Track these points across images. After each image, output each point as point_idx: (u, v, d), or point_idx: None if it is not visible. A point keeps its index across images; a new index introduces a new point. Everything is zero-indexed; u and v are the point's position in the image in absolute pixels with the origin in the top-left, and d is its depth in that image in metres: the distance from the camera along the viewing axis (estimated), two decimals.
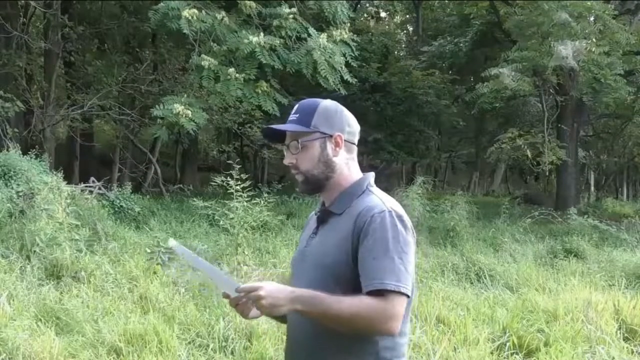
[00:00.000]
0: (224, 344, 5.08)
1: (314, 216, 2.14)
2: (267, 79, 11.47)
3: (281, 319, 2.11)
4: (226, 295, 1.96)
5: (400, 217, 1.93)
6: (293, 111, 2.07)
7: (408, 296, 1.86)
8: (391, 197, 2.03)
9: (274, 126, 2.09)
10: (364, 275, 1.87)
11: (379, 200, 1.97)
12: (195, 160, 20.40)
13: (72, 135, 16.45)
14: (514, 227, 12.59)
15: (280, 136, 2.09)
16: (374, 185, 2.06)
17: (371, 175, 2.08)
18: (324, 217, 2.05)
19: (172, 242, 2.04)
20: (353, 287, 1.89)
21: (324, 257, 1.96)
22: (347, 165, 2.05)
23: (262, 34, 10.59)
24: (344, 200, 2.01)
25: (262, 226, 9.47)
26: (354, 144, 2.09)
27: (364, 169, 2.10)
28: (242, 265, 7.36)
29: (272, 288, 1.86)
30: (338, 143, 2.03)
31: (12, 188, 8.71)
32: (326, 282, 1.92)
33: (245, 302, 1.94)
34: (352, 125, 2.08)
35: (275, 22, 11.00)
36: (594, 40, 14.78)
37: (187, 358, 4.84)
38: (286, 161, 2.06)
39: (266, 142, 18.46)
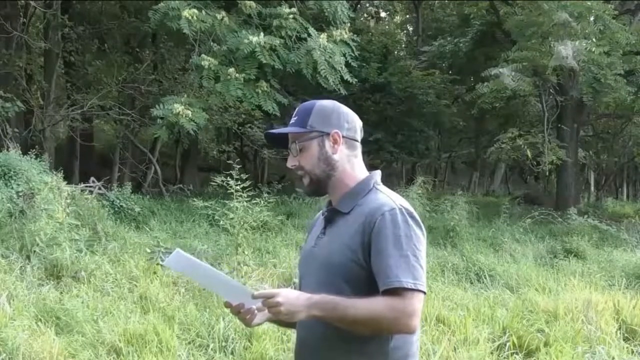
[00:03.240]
0: (224, 344, 5.08)
1: (321, 216, 2.11)
2: (267, 79, 11.46)
3: (289, 324, 2.06)
4: (228, 304, 1.93)
5: (411, 214, 1.91)
6: (293, 114, 2.07)
7: (425, 293, 1.86)
8: (399, 195, 2.01)
9: (272, 131, 2.09)
10: (379, 274, 1.84)
11: (388, 198, 1.94)
12: (195, 160, 20.35)
13: (72, 135, 16.42)
14: (514, 227, 12.58)
15: (284, 141, 2.08)
16: (381, 184, 2.03)
17: (377, 174, 2.05)
18: (331, 217, 2.03)
19: (172, 261, 1.96)
20: (364, 285, 1.87)
21: (332, 257, 1.93)
22: (350, 163, 2.03)
23: (262, 34, 10.59)
24: (351, 198, 1.99)
25: (262, 226, 9.46)
26: (356, 140, 2.05)
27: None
28: (242, 265, 7.36)
29: (289, 294, 1.84)
30: (336, 140, 2.00)
31: (12, 188, 8.70)
32: (335, 281, 1.90)
33: (249, 310, 1.91)
34: (351, 122, 2.04)
35: (275, 22, 11.01)
36: (594, 40, 14.77)
37: (187, 358, 4.84)
38: (289, 164, 2.04)
39: (266, 142, 18.41)
